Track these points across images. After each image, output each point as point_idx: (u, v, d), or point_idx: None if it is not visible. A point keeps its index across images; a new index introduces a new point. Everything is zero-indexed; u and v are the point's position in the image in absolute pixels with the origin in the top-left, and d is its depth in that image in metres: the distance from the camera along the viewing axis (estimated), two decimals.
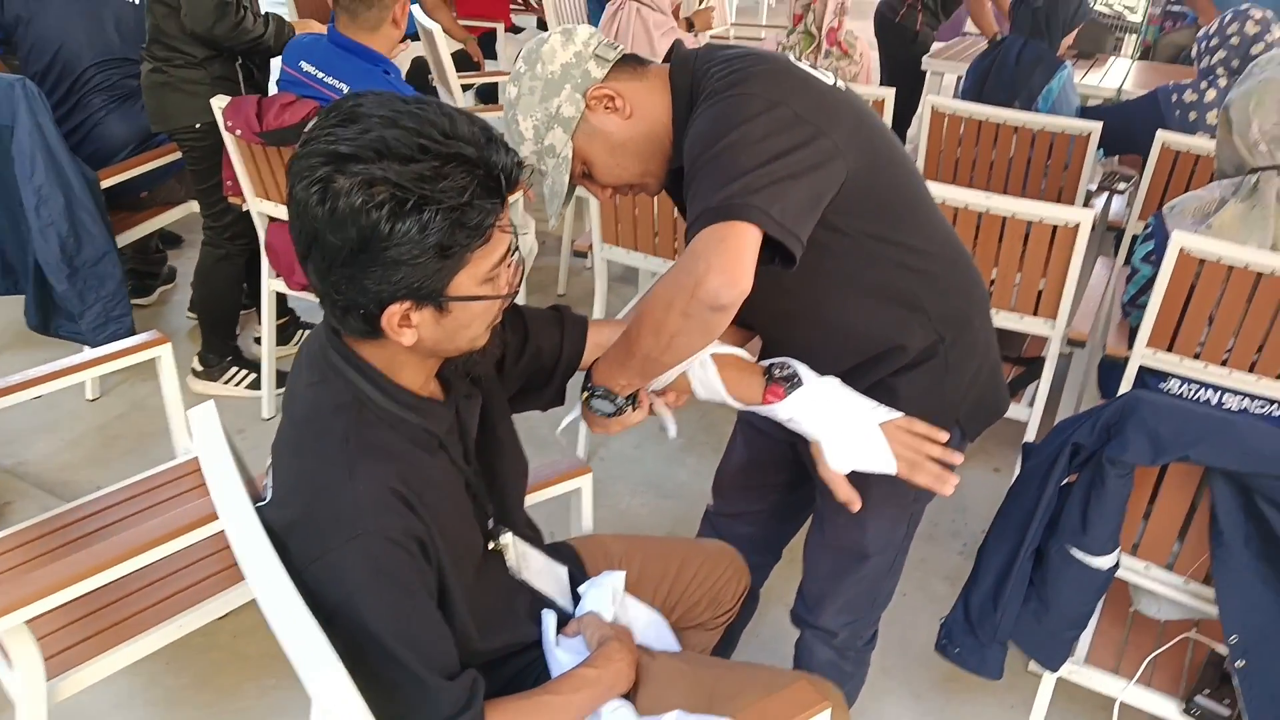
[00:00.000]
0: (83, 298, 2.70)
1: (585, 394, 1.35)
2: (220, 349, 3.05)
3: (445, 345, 1.10)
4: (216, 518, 1.53)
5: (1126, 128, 3.06)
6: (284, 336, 3.19)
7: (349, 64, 2.42)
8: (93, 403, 3.02)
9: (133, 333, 2.66)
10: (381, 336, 1.06)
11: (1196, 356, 2.13)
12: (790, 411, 1.33)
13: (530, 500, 1.66)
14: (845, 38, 3.32)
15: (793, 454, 1.62)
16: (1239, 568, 1.46)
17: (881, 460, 1.31)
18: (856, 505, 1.33)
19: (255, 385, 3.04)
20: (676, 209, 1.42)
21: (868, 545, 1.54)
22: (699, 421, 3.07)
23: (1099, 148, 3.01)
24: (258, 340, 3.17)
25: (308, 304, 3.42)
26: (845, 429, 1.31)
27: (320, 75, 2.44)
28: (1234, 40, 2.82)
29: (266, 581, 0.99)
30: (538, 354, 1.39)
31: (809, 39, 3.28)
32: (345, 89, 2.41)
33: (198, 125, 2.72)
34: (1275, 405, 2.08)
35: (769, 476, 1.77)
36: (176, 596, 1.72)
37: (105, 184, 2.84)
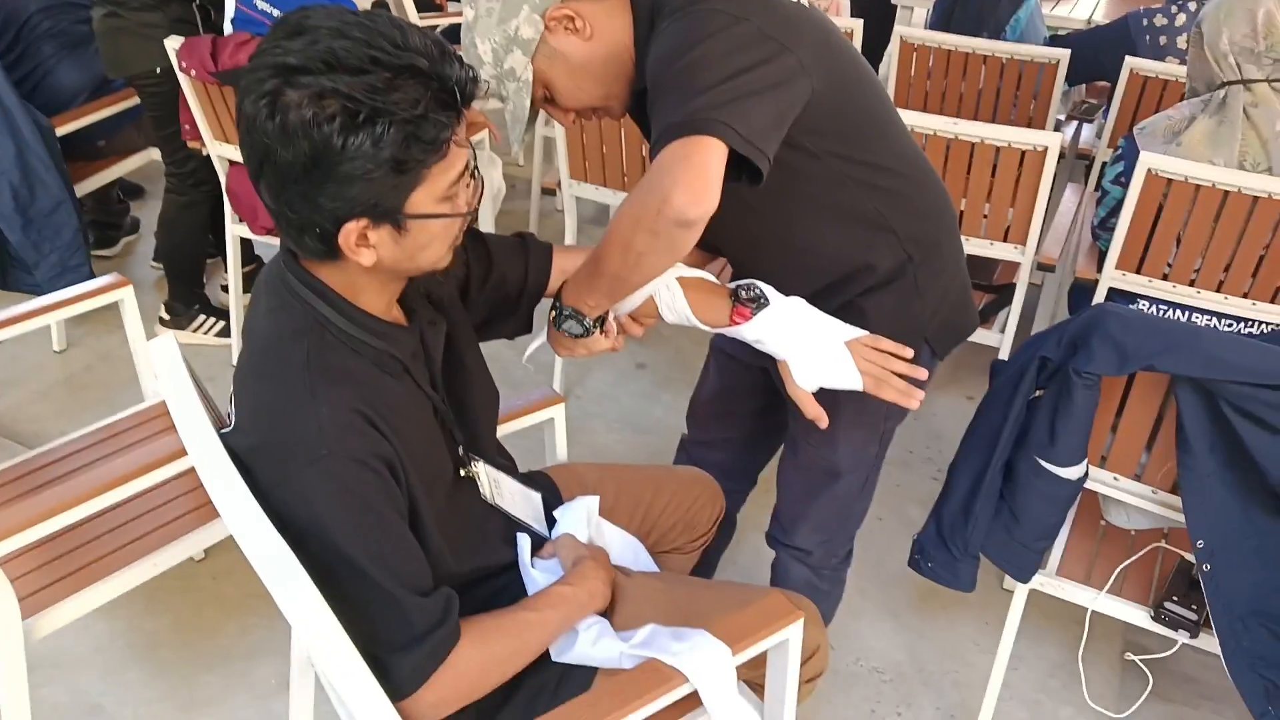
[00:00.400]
0: (38, 248, 2.65)
1: (553, 314, 1.34)
2: (187, 297, 3.01)
3: (405, 265, 1.08)
4: (184, 454, 1.55)
5: (1096, 55, 3.04)
6: (250, 284, 3.15)
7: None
8: (60, 354, 2.98)
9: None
10: (339, 258, 1.04)
11: (1165, 277, 2.14)
12: (757, 332, 1.33)
13: (503, 431, 1.65)
14: None
15: (764, 379, 1.63)
16: (1205, 475, 1.48)
17: (848, 377, 1.31)
18: (824, 423, 1.34)
19: (225, 333, 3.01)
20: (643, 137, 1.40)
21: (839, 464, 1.55)
22: (674, 358, 3.07)
23: (1067, 78, 3.00)
24: (224, 288, 3.13)
25: (273, 248, 3.38)
26: (812, 347, 1.32)
27: (276, 13, 2.37)
28: None
29: (234, 505, 0.99)
30: (502, 281, 1.37)
31: None
32: None
33: (157, 70, 2.64)
34: (1242, 324, 2.11)
35: (741, 403, 1.78)
36: (149, 536, 1.71)
37: (60, 131, 2.77)
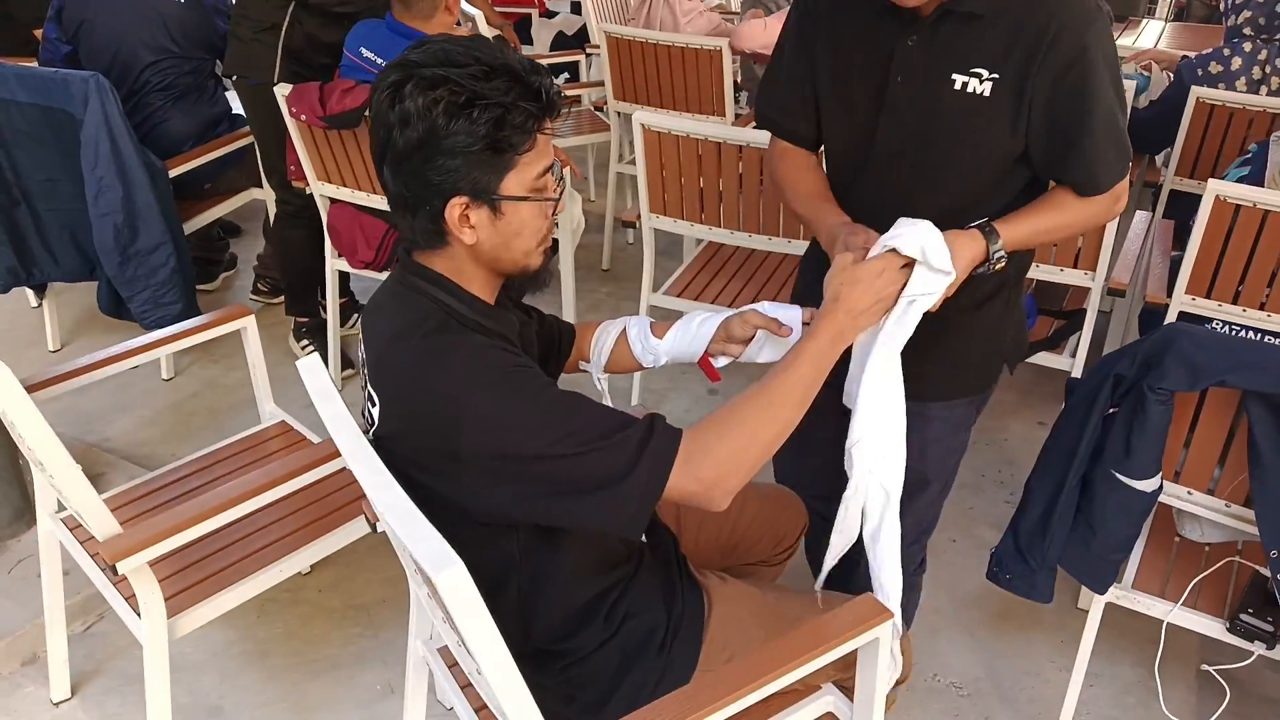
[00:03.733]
0: (132, 284, 2.81)
1: (993, 254, 1.37)
2: (292, 308, 3.22)
3: (502, 253, 1.22)
4: (306, 471, 1.69)
5: (1166, 125, 3.05)
6: (343, 317, 3.32)
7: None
8: (168, 382, 3.18)
9: (187, 318, 2.77)
10: (446, 241, 1.20)
11: (1235, 300, 2.19)
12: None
13: None
14: None
15: (834, 402, 1.69)
16: (1277, 485, 1.53)
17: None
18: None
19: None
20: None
21: (928, 473, 1.63)
22: (744, 384, 3.15)
23: (1148, 150, 3.03)
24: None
25: (367, 284, 3.56)
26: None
27: (380, 61, 2.55)
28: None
29: (388, 493, 1.10)
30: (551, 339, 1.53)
31: None
32: None
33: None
34: None
35: (818, 432, 1.83)
36: (269, 548, 1.83)
37: (172, 174, 2.98)
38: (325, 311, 3.13)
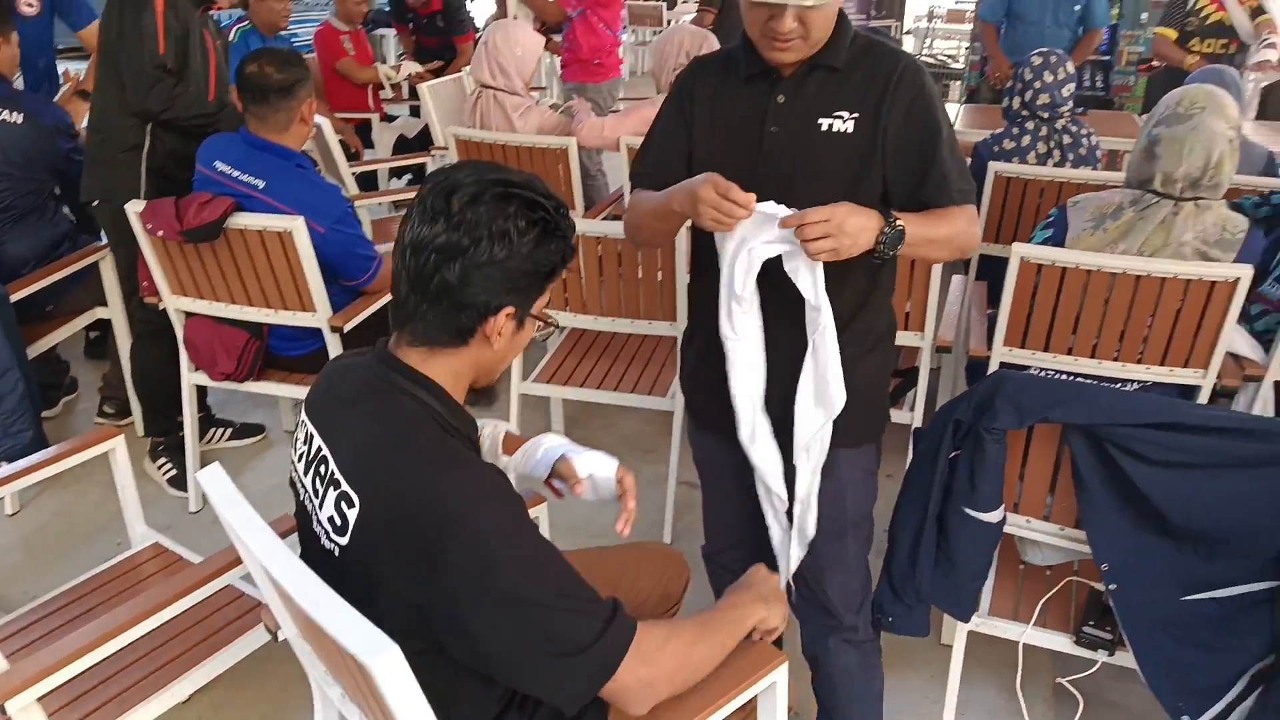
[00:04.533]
0: None
1: (884, 232, 1.48)
2: (152, 428, 3.13)
3: (498, 364, 1.34)
4: (207, 582, 1.67)
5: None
6: (201, 431, 3.24)
7: (263, 161, 2.58)
8: (12, 517, 3.01)
9: (37, 446, 2.69)
10: (465, 343, 1.28)
11: (1046, 348, 2.46)
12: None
13: None
14: None
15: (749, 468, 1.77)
16: (1101, 507, 1.75)
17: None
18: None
19: (176, 483, 3.08)
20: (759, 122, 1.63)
21: (849, 518, 1.76)
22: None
23: None
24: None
25: (222, 397, 3.49)
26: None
27: (236, 174, 2.59)
28: (1019, 85, 3.25)
29: (313, 589, 1.13)
30: None
31: None
32: (261, 184, 2.57)
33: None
34: (1117, 383, 2.43)
35: (739, 496, 1.86)
36: (163, 669, 1.79)
37: (14, 297, 2.87)
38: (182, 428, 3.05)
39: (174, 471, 3.11)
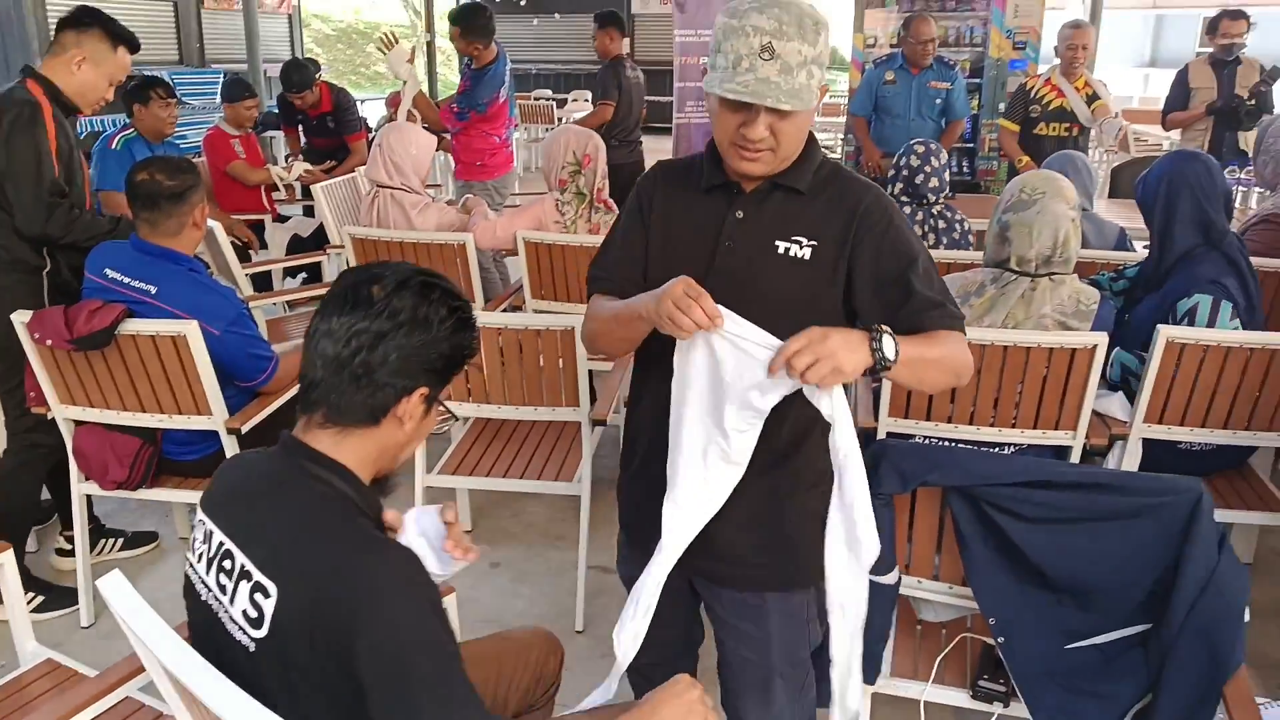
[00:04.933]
0: None
1: (875, 337, 1.40)
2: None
3: (403, 450, 1.39)
4: (109, 693, 1.63)
5: None
6: (92, 542, 3.12)
7: (155, 266, 2.58)
8: None
9: None
10: (377, 423, 1.32)
11: (928, 417, 2.61)
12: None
13: None
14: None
15: (684, 594, 1.78)
16: (983, 564, 1.86)
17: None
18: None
19: (43, 608, 2.92)
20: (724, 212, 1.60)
21: (776, 665, 1.73)
22: (525, 551, 3.27)
23: None
24: (60, 551, 3.11)
25: (111, 507, 3.39)
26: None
27: (127, 280, 2.57)
28: (904, 172, 3.49)
29: (232, 698, 1.13)
30: None
31: (580, 198, 3.74)
32: (153, 290, 2.56)
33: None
34: (995, 447, 2.59)
35: (666, 619, 1.76)
36: None
37: None
38: (73, 541, 2.94)
39: (40, 599, 2.94)
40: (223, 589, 1.27)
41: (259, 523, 1.27)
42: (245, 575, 1.24)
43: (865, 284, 1.55)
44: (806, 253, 1.55)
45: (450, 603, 1.95)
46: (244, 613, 1.23)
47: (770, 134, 1.47)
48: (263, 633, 1.21)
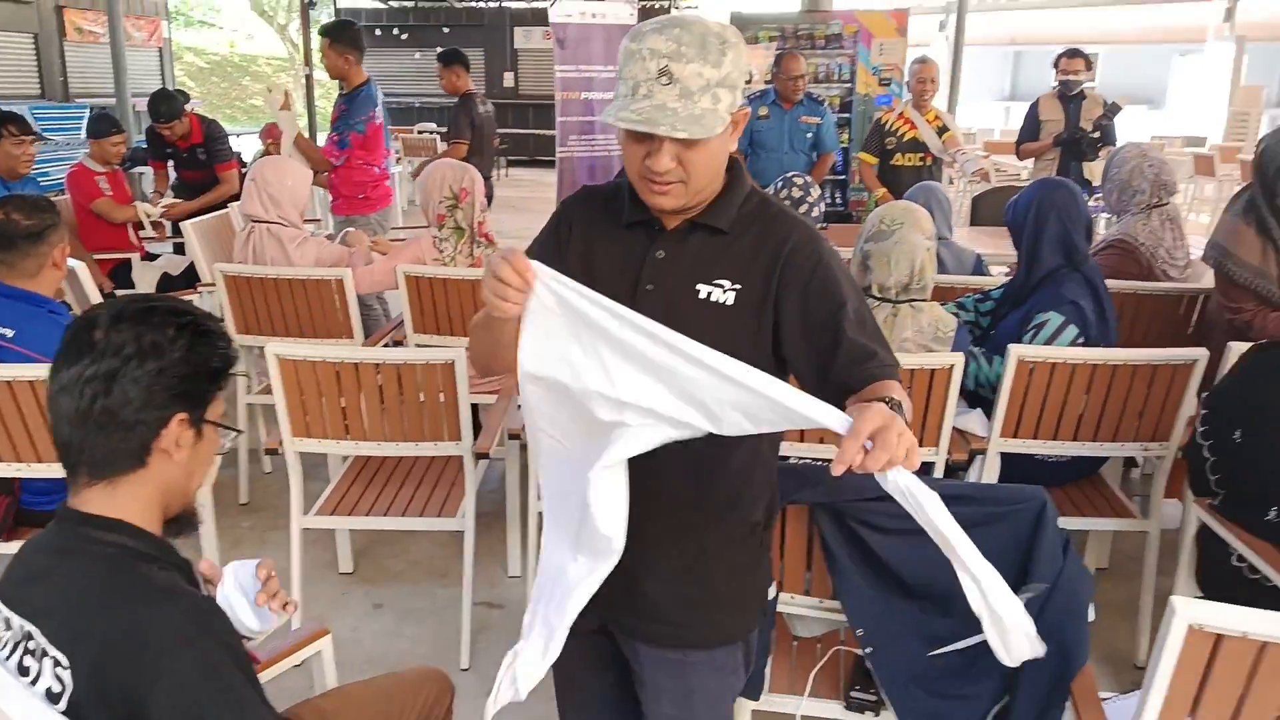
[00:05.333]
0: None
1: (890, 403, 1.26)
2: None
3: (188, 482, 1.35)
4: None
5: None
6: None
7: (14, 309, 2.49)
8: None
9: None
10: (144, 463, 1.28)
11: (801, 439, 2.71)
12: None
13: (273, 672, 1.80)
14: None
15: (608, 650, 1.69)
16: (850, 576, 1.94)
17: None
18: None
19: None
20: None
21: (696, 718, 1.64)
22: (409, 590, 3.23)
23: None
24: None
25: None
26: None
27: (9, 333, 2.47)
28: (787, 204, 3.62)
29: None
30: None
31: (460, 233, 3.73)
32: (10, 333, 2.47)
33: None
34: None
35: (589, 679, 1.78)
36: None
37: None
38: None
39: None
40: (27, 671, 1.23)
41: (49, 600, 1.25)
42: (43, 652, 1.22)
43: (793, 330, 1.44)
44: (729, 297, 1.44)
45: (326, 645, 1.93)
46: (47, 690, 1.21)
47: (678, 165, 1.36)
48: (63, 707, 1.19)
